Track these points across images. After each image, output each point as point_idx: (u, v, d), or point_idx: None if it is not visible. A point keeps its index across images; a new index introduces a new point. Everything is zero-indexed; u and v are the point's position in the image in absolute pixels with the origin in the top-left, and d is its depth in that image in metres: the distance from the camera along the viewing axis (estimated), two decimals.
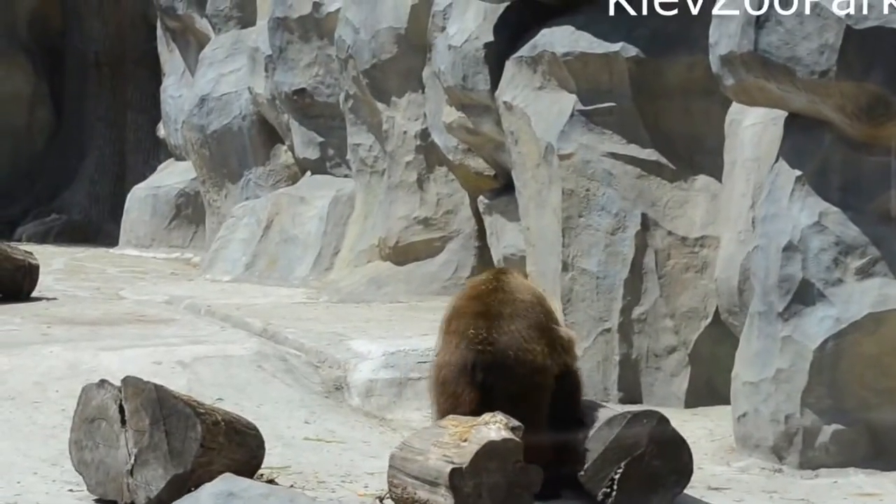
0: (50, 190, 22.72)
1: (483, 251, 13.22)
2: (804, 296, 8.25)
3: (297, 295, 14.16)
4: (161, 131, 20.83)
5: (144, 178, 20.77)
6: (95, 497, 7.31)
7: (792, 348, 8.25)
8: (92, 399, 7.35)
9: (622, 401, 9.86)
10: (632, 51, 10.30)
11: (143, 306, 13.37)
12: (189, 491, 6.85)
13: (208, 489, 6.60)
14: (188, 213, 19.21)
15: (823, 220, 8.27)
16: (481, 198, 12.89)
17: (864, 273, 8.18)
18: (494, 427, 6.96)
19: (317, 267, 15.12)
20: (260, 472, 7.56)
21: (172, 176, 19.73)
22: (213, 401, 8.57)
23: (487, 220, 12.79)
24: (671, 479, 7.28)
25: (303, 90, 15.95)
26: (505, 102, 11.12)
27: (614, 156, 10.33)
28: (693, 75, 10.13)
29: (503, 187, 12.44)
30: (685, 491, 7.38)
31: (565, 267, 10.33)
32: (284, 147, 17.01)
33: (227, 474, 6.77)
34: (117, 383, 7.30)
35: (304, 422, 9.19)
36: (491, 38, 11.66)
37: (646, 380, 10.06)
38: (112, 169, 22.73)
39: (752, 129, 9.22)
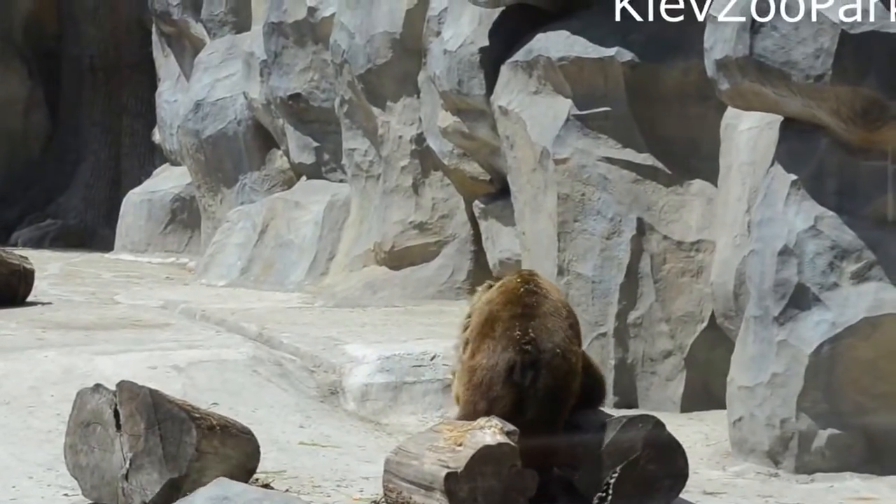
0: (45, 195, 22.71)
1: (478, 256, 13.22)
2: (800, 300, 8.26)
3: (293, 299, 14.15)
4: (156, 136, 20.82)
5: (140, 182, 20.75)
6: (90, 501, 7.29)
7: (787, 352, 8.25)
8: (87, 403, 7.34)
9: (618, 405, 9.85)
10: (627, 55, 10.30)
11: (138, 311, 13.36)
12: (184, 495, 6.84)
13: (202, 493, 6.60)
14: (183, 217, 19.20)
15: (819, 225, 8.27)
16: (477, 202, 12.89)
17: (860, 277, 8.18)
18: (489, 431, 6.96)
19: (312, 271, 15.11)
20: (255, 476, 7.55)
21: (168, 181, 19.72)
22: (209, 405, 8.57)
23: (483, 224, 12.79)
24: (666, 484, 7.27)
25: (298, 95, 15.95)
26: (500, 107, 11.12)
27: (610, 160, 10.33)
28: (688, 80, 10.13)
29: (499, 192, 12.44)
30: (680, 495, 7.37)
31: (561, 271, 10.32)
32: (280, 152, 17.01)
33: (221, 478, 6.76)
34: (112, 388, 7.29)
35: (300, 426, 9.18)
36: (486, 42, 11.66)
37: (641, 384, 10.06)
38: (107, 174, 22.71)
39: (748, 134, 9.22)
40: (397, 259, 13.89)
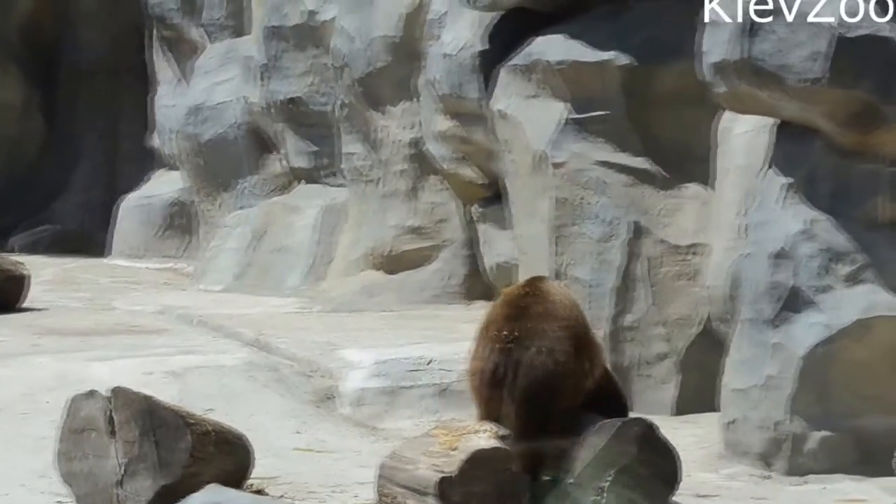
0: (41, 200, 22.65)
1: (475, 260, 13.21)
2: (793, 303, 8.26)
3: (289, 304, 14.13)
4: (154, 141, 20.80)
5: (137, 187, 20.71)
6: None
7: (781, 355, 8.26)
8: (81, 409, 7.33)
9: None
10: (624, 59, 10.32)
11: (134, 316, 13.33)
12: (178, 502, 6.84)
13: (196, 499, 6.60)
14: (181, 222, 19.15)
15: (813, 228, 8.29)
16: (473, 206, 12.89)
17: (853, 280, 8.20)
18: (484, 436, 6.97)
19: (309, 276, 15.09)
20: (249, 482, 7.54)
21: (165, 185, 19.68)
22: (204, 411, 8.55)
23: (480, 228, 12.79)
24: (659, 488, 7.27)
25: (297, 99, 15.94)
26: (498, 111, 11.13)
27: (607, 164, 10.34)
28: (685, 83, 10.11)
29: (496, 196, 12.43)
30: (673, 498, 7.37)
31: (557, 275, 10.32)
32: (278, 156, 16.99)
33: (214, 484, 6.77)
34: (107, 394, 7.28)
35: (295, 432, 9.17)
36: (484, 46, 11.67)
37: (636, 387, 10.04)
38: (104, 178, 22.65)
39: (743, 137, 9.23)
40: (394, 263, 13.88)
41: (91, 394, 7.34)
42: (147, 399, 7.16)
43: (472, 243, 13.27)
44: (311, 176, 16.13)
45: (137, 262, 19.06)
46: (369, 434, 9.42)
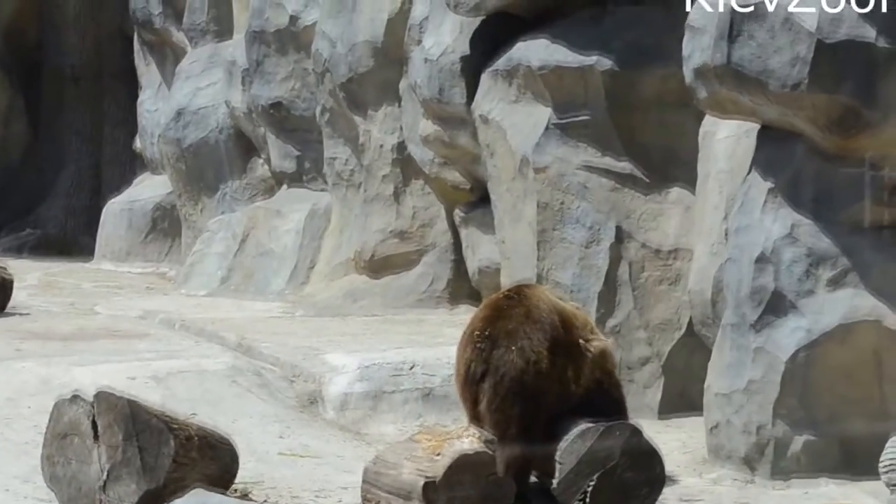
0: (25, 204, 22.60)
1: (459, 264, 13.21)
2: (776, 307, 8.28)
3: (273, 309, 14.11)
4: (137, 145, 20.77)
5: (121, 192, 20.67)
6: None
7: (764, 359, 8.28)
8: (64, 414, 7.32)
9: None
10: (606, 64, 10.33)
11: (117, 321, 13.30)
12: None
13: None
14: (164, 226, 19.12)
15: (795, 232, 8.31)
16: (457, 211, 12.90)
17: (836, 284, 8.22)
18: (468, 440, 6.98)
19: (293, 280, 15.08)
20: (234, 486, 7.54)
21: (148, 189, 19.65)
22: (188, 416, 8.53)
23: (463, 232, 12.80)
24: (643, 492, 7.29)
25: (279, 103, 15.93)
26: (481, 115, 11.14)
27: (589, 168, 10.36)
28: (667, 88, 10.16)
29: (479, 200, 12.44)
30: (657, 503, 7.38)
31: (540, 279, 10.33)
32: (261, 160, 16.98)
33: (198, 489, 6.77)
34: (90, 398, 7.27)
35: (279, 436, 9.17)
36: (467, 51, 11.68)
37: None
38: (88, 183, 22.62)
39: (726, 142, 9.25)
40: (378, 267, 13.88)
41: (74, 398, 7.33)
42: (130, 403, 7.15)
43: (456, 247, 13.29)
44: (294, 180, 16.12)
45: (121, 265, 19.01)
46: (353, 438, 9.42)
